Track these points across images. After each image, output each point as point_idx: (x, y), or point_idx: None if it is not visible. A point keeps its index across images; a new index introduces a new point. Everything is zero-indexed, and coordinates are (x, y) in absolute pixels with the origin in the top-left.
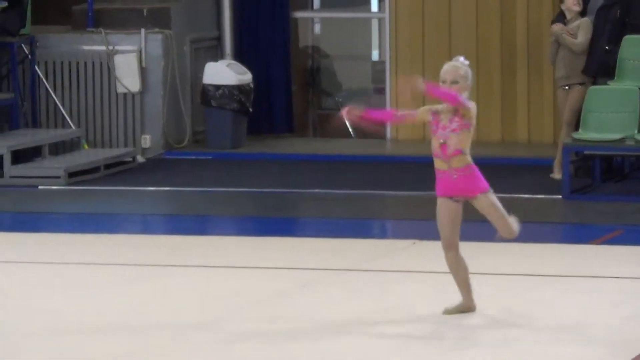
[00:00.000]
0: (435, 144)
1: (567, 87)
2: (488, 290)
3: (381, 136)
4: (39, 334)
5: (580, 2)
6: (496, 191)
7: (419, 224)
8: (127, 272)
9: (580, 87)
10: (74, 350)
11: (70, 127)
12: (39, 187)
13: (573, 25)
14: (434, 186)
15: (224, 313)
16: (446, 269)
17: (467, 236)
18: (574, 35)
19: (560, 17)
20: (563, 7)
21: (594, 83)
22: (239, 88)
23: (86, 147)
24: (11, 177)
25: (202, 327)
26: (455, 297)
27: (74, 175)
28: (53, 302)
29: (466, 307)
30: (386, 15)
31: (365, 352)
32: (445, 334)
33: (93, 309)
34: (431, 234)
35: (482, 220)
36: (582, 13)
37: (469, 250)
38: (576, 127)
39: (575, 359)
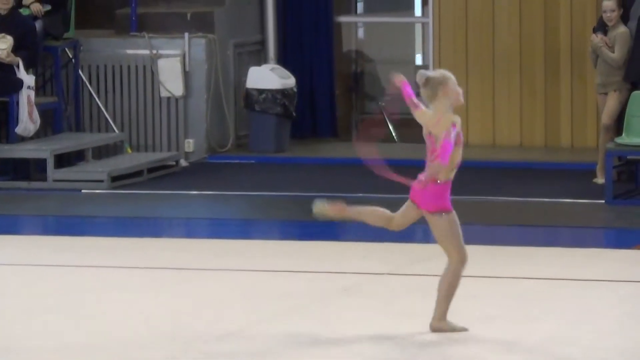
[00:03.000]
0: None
1: (605, 94)
2: (531, 294)
3: (424, 140)
4: (84, 337)
5: (619, 10)
6: (539, 196)
7: (461, 228)
8: (170, 275)
9: (617, 93)
10: (117, 355)
11: (114, 131)
12: (82, 190)
13: (613, 33)
14: (474, 191)
15: (267, 317)
16: (485, 272)
17: (509, 241)
18: (612, 46)
19: (602, 25)
20: (604, 16)
21: (635, 88)
22: (283, 92)
23: (129, 151)
24: (54, 180)
25: (245, 331)
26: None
27: (117, 179)
28: (97, 306)
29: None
30: (429, 19)
31: (412, 355)
32: (486, 336)
33: (136, 312)
34: (472, 239)
35: (523, 224)
36: (624, 17)
37: (512, 255)
38: (617, 132)
39: None
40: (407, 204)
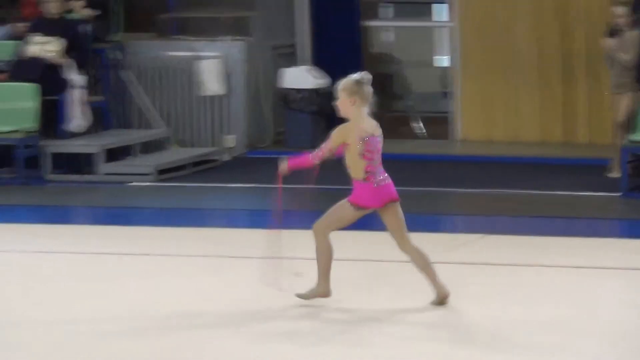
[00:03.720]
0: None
1: (619, 94)
2: (555, 281)
3: (449, 137)
4: (119, 319)
5: (630, 16)
6: (558, 189)
7: (486, 219)
8: (212, 263)
9: (630, 94)
10: (145, 335)
11: (159, 127)
12: (130, 183)
13: (625, 37)
14: (499, 184)
15: (304, 302)
16: (508, 260)
17: (534, 231)
18: (626, 48)
19: (613, 29)
20: (616, 21)
21: None
22: (317, 92)
23: (176, 146)
24: (104, 174)
25: (288, 311)
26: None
27: (163, 173)
28: (137, 291)
29: (322, 292)
30: (453, 24)
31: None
32: (508, 317)
33: (171, 297)
34: (496, 229)
35: (542, 216)
36: (637, 22)
37: (535, 244)
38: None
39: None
40: (358, 214)
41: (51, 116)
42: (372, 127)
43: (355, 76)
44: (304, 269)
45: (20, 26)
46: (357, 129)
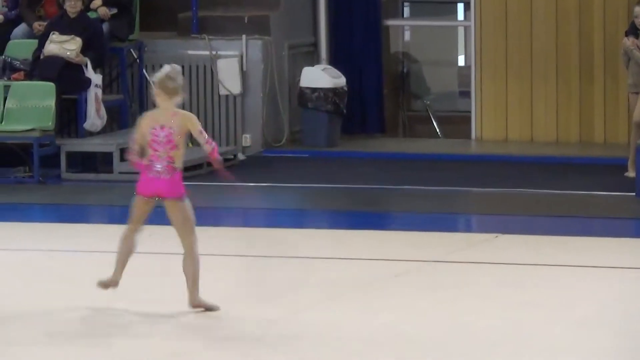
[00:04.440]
0: None
1: (636, 93)
2: (571, 281)
3: (466, 136)
4: (144, 316)
5: None
6: (574, 189)
7: (501, 219)
8: (229, 262)
9: None
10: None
11: None
12: None
13: None
14: (514, 184)
15: (318, 302)
16: (527, 260)
17: (550, 230)
18: None
19: (633, 28)
20: (636, 20)
21: None
22: (334, 91)
23: (191, 145)
24: (120, 172)
25: (299, 314)
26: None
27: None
28: (152, 291)
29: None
30: (471, 23)
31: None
32: (525, 317)
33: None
34: (513, 228)
35: (559, 215)
36: None
37: (551, 244)
38: None
39: None
40: (139, 202)
41: (68, 115)
42: (166, 118)
43: (163, 70)
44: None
45: (40, 24)
46: (150, 118)
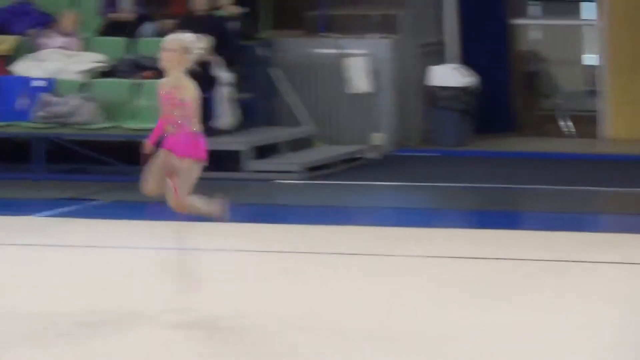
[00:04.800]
0: None
1: None
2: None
3: (597, 135)
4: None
5: None
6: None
7: (630, 219)
8: (357, 262)
9: None
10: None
11: (306, 125)
12: (276, 180)
13: None
14: (622, 183)
15: (449, 300)
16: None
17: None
18: None
19: None
20: None
21: None
22: (464, 90)
23: (318, 144)
24: (252, 171)
25: (432, 313)
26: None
27: (311, 170)
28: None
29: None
30: (601, 22)
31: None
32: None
33: (301, 296)
34: (623, 228)
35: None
36: None
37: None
38: None
39: None
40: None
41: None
42: (170, 85)
43: (169, 37)
44: None
45: (169, 23)
46: (163, 83)
